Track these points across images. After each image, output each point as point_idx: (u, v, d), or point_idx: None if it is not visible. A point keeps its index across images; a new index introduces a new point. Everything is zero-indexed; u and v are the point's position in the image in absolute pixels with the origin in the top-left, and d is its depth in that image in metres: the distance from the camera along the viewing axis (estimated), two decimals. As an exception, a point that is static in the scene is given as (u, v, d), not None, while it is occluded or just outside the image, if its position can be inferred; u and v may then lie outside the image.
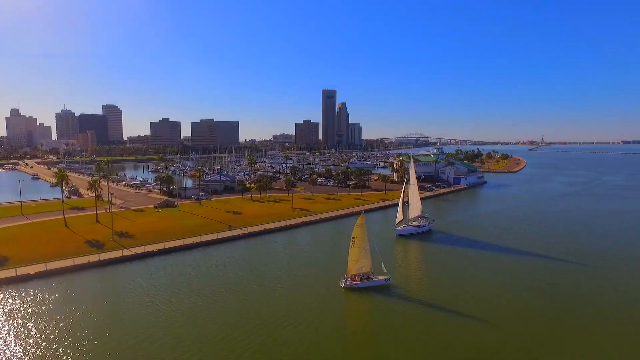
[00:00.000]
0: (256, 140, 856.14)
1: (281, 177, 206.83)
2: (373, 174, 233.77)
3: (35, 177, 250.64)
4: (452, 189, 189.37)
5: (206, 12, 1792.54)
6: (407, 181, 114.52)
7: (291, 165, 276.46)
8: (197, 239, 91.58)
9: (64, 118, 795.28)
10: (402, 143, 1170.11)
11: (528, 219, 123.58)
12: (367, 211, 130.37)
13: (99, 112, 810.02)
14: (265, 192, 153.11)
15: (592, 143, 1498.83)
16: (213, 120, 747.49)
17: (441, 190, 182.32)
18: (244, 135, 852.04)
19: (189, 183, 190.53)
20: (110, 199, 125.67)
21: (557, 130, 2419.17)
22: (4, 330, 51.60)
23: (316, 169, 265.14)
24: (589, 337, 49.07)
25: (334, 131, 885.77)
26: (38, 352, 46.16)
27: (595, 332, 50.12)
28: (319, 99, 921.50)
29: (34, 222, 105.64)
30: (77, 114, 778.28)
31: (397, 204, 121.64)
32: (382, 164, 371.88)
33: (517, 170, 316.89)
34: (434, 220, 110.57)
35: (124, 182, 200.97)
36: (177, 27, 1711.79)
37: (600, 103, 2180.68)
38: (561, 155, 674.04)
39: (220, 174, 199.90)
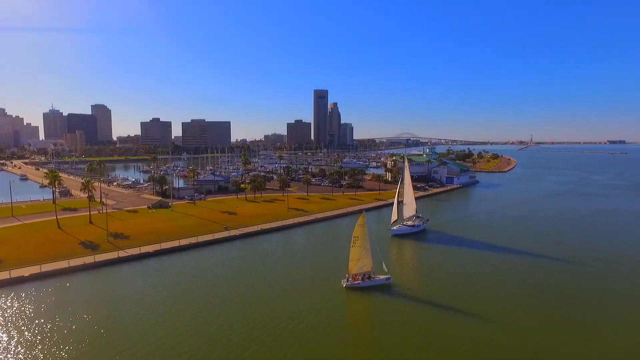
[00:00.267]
0: (247, 140, 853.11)
1: (274, 177, 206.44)
2: (366, 173, 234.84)
3: (24, 178, 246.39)
4: (445, 188, 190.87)
5: (197, 11, 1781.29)
6: (402, 181, 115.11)
7: (285, 165, 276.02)
8: (193, 240, 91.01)
9: (52, 118, 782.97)
10: (393, 143, 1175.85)
11: (521, 218, 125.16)
12: (361, 211, 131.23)
13: (88, 111, 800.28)
14: (259, 192, 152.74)
15: (579, 143, 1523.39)
16: (204, 120, 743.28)
17: (434, 190, 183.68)
18: (235, 135, 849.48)
19: (181, 183, 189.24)
20: (103, 200, 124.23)
21: (545, 130, 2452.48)
22: None
23: (309, 169, 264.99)
24: (589, 335, 49.70)
25: (325, 131, 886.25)
26: (34, 355, 45.48)
27: (596, 331, 50.80)
28: (310, 99, 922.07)
29: (25, 224, 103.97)
30: (65, 114, 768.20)
31: (391, 204, 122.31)
32: (374, 163, 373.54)
33: (508, 170, 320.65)
34: (428, 220, 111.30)
35: (115, 183, 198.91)
36: (168, 26, 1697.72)
37: (586, 104, 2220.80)
38: (550, 155, 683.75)
39: (214, 174, 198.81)
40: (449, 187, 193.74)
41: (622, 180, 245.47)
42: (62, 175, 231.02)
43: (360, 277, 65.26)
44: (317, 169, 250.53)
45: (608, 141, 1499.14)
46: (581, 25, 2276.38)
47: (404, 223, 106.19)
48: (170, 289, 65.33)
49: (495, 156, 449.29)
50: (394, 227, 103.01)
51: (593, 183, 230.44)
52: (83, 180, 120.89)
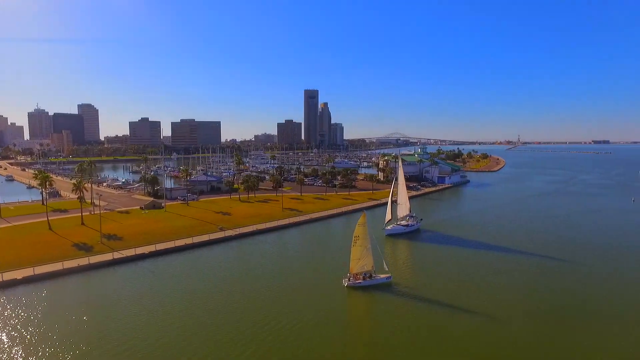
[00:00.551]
0: (237, 140, 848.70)
1: (267, 177, 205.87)
2: (359, 173, 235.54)
3: (10, 179, 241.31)
4: (437, 188, 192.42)
5: (186, 11, 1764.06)
6: (396, 180, 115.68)
7: (277, 165, 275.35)
8: (189, 241, 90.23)
9: (37, 117, 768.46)
10: (383, 143, 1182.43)
11: (513, 217, 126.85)
12: (355, 211, 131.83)
13: (75, 111, 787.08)
14: (253, 193, 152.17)
15: (565, 143, 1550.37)
16: (194, 120, 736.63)
17: (427, 190, 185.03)
18: (225, 135, 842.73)
19: (172, 184, 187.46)
20: (97, 201, 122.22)
21: (531, 130, 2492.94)
22: (-6, 338, 49.75)
23: (301, 169, 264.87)
24: (590, 334, 50.37)
25: (316, 131, 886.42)
26: (29, 358, 44.70)
27: (595, 330, 51.53)
28: (301, 99, 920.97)
29: (15, 225, 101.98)
30: (51, 113, 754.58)
31: (385, 204, 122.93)
32: (365, 163, 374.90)
33: (498, 170, 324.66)
34: (421, 220, 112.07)
35: (105, 183, 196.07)
36: (156, 25, 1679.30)
37: (571, 105, 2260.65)
38: (537, 154, 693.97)
39: (206, 174, 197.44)
40: (440, 187, 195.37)
41: (608, 180, 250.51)
42: (50, 176, 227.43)
43: (361, 276, 65.50)
44: (310, 169, 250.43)
45: (593, 141, 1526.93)
46: (567, 27, 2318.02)
47: (398, 223, 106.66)
48: (168, 290, 64.73)
49: (485, 156, 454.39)
50: (388, 227, 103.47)
51: (581, 182, 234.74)
52: (75, 181, 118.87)
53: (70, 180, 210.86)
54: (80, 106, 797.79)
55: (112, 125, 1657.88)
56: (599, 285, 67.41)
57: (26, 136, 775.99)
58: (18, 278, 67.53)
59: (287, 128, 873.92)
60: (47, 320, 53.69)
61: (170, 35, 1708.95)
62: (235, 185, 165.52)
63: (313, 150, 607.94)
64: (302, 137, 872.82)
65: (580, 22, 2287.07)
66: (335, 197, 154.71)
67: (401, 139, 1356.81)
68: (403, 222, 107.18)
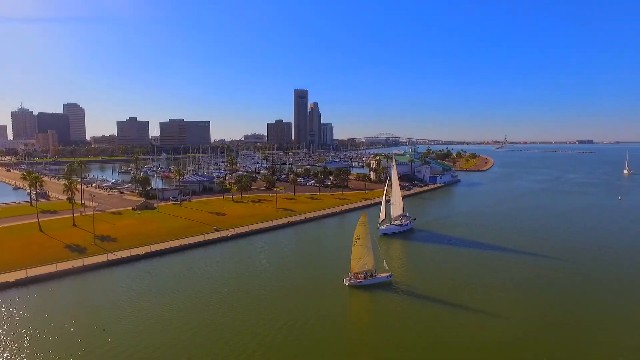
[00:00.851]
0: (226, 140, 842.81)
1: (258, 177, 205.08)
2: (351, 173, 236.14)
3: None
4: (428, 187, 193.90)
5: (174, 9, 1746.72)
6: (390, 180, 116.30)
7: (269, 165, 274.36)
8: (184, 241, 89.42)
9: (21, 117, 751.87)
10: (372, 143, 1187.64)
11: (505, 215, 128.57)
12: (349, 211, 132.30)
13: (60, 110, 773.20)
14: (246, 193, 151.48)
15: (551, 142, 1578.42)
16: (183, 119, 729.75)
17: (418, 189, 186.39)
18: (214, 135, 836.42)
19: (162, 184, 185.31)
20: (90, 202, 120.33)
21: (518, 130, 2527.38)
22: (-12, 342, 48.66)
23: (293, 169, 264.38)
24: (590, 333, 51.13)
25: (306, 131, 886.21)
26: (31, 363, 43.96)
27: (595, 329, 52.35)
28: (290, 99, 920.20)
29: (4, 227, 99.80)
30: (35, 113, 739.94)
31: (378, 203, 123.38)
32: (356, 163, 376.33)
33: (487, 169, 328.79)
34: (415, 219, 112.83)
35: (94, 184, 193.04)
36: (144, 24, 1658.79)
37: (557, 105, 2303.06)
38: (524, 154, 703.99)
39: (198, 174, 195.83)
40: (432, 186, 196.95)
41: (594, 179, 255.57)
42: (41, 177, 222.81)
43: (362, 275, 65.75)
44: (302, 169, 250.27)
45: (577, 141, 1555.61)
46: (553, 28, 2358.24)
47: (392, 222, 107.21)
48: (167, 290, 64.07)
49: (474, 155, 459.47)
50: (382, 227, 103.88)
51: (568, 181, 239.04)
52: (66, 182, 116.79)
53: (58, 180, 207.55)
54: (65, 106, 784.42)
55: (99, 125, 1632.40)
56: (593, 283, 68.53)
57: (9, 136, 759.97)
58: (10, 281, 66.14)
59: (277, 128, 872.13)
60: (42, 324, 52.70)
61: (159, 34, 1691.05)
62: (228, 186, 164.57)
63: (303, 150, 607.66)
64: (292, 137, 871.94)
65: (565, 25, 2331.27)
66: (329, 196, 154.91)
67: (390, 139, 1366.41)
68: (397, 222, 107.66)
